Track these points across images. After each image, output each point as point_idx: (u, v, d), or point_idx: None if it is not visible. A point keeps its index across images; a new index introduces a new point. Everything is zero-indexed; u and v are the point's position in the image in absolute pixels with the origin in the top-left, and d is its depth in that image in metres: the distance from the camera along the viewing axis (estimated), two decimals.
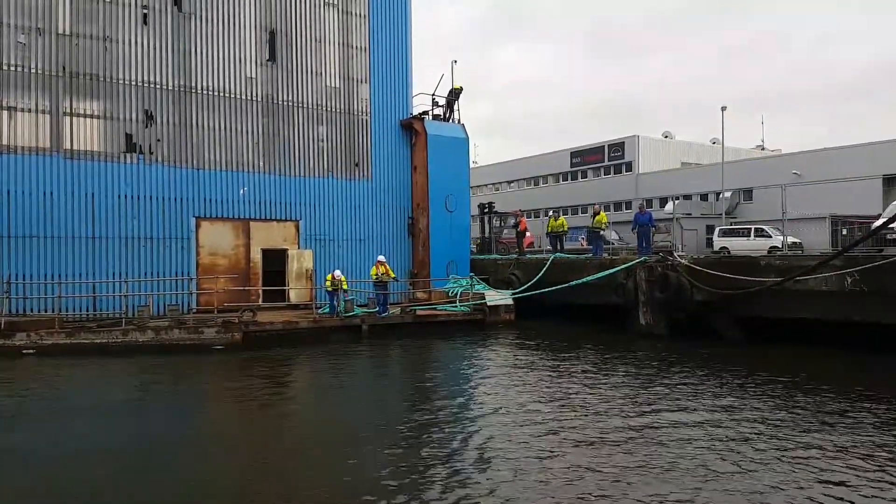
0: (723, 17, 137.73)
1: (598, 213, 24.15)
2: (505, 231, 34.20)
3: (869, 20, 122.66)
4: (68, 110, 19.21)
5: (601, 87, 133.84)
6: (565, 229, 25.73)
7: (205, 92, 21.23)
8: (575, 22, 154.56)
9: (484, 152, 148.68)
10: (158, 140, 20.48)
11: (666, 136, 56.75)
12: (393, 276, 20.36)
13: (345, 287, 19.42)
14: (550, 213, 35.79)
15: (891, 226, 16.44)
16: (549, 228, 25.59)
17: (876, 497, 6.80)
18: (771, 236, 24.53)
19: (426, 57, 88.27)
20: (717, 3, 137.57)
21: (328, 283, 19.30)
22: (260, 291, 20.82)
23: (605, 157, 55.45)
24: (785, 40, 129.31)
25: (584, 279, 20.04)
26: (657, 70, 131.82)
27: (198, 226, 21.04)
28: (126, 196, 19.88)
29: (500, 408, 10.66)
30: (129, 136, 20.07)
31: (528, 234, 28.54)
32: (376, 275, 19.85)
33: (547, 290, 20.89)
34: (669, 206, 39.65)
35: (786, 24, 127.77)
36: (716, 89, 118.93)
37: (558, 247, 24.98)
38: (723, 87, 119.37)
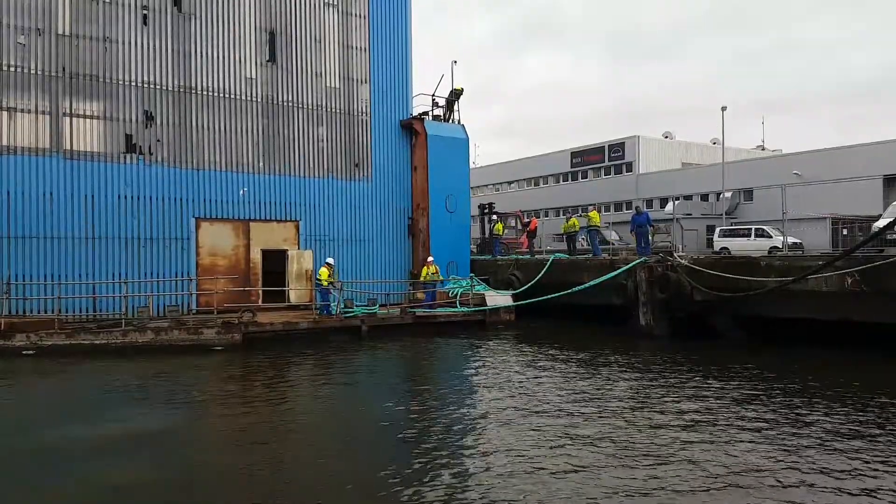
0: (737, 23, 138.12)
1: (590, 213, 24.74)
2: (505, 231, 34.16)
3: (872, 24, 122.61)
4: (68, 111, 19.20)
5: (619, 92, 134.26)
6: (577, 229, 26.12)
7: (205, 92, 21.23)
8: (596, 28, 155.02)
9: (499, 155, 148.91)
10: (158, 140, 20.48)
11: (666, 137, 56.67)
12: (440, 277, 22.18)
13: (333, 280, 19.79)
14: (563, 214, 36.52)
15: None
16: (564, 229, 26.45)
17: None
18: (771, 236, 24.50)
19: (448, 65, 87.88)
20: (732, 9, 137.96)
21: (324, 278, 19.50)
22: (260, 292, 20.79)
23: (606, 158, 55.39)
24: (796, 46, 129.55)
25: (587, 284, 20.03)
26: (673, 74, 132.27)
27: (198, 226, 21.03)
28: (126, 196, 19.88)
29: (501, 408, 10.63)
30: (128, 137, 20.07)
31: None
32: (426, 275, 21.53)
33: (547, 297, 20.89)
34: (670, 207, 39.61)
35: (797, 31, 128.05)
36: (726, 92, 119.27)
37: (571, 247, 25.84)
38: (732, 89, 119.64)
